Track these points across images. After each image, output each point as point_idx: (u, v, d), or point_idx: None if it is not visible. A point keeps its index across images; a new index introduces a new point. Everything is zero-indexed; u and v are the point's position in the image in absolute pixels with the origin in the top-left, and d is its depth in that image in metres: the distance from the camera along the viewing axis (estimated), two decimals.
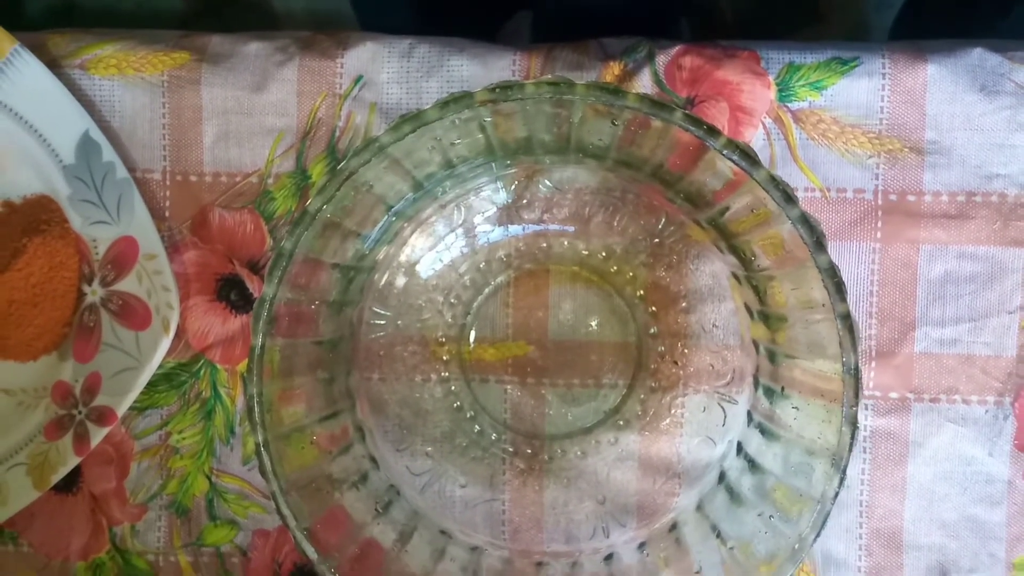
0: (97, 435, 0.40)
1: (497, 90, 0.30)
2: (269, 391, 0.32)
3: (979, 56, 0.39)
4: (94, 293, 0.41)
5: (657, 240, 0.39)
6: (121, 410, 0.40)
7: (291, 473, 0.32)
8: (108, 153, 0.40)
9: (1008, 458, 0.40)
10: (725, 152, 0.29)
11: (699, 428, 0.39)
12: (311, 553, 0.32)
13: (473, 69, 0.41)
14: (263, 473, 0.32)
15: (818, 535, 0.31)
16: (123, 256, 0.40)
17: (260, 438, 0.32)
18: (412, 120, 0.30)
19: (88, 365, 0.41)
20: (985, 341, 0.40)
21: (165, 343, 0.40)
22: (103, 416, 0.40)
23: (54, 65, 0.41)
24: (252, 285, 0.42)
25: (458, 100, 0.30)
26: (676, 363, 0.40)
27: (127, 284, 0.40)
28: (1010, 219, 0.39)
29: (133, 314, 0.40)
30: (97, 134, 0.40)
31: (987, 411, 0.40)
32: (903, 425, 0.40)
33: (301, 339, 0.34)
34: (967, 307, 0.40)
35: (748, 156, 0.29)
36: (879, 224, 0.40)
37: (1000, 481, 0.40)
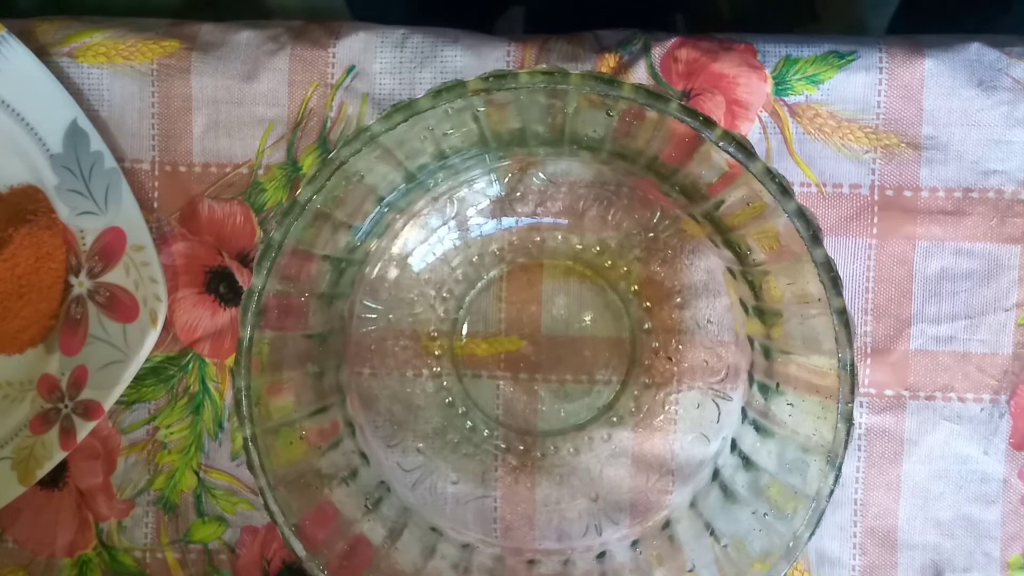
0: (83, 429, 0.40)
1: (490, 79, 0.29)
2: (257, 384, 0.31)
3: (977, 51, 0.39)
4: (81, 285, 0.41)
5: (652, 235, 0.39)
6: (108, 404, 0.39)
7: (279, 468, 0.32)
8: (96, 142, 0.39)
9: (1003, 456, 0.39)
10: (721, 144, 0.29)
11: (693, 425, 0.39)
12: (299, 550, 0.31)
13: (467, 60, 0.40)
14: (251, 468, 0.31)
15: (813, 533, 0.30)
16: (110, 247, 0.40)
17: (248, 432, 0.31)
18: (404, 109, 0.29)
19: (75, 358, 0.40)
20: (981, 338, 0.39)
21: (153, 336, 0.39)
22: (89, 410, 0.40)
23: (42, 53, 0.41)
24: (241, 278, 0.41)
25: (451, 89, 0.29)
26: (670, 359, 0.39)
27: (114, 276, 0.40)
28: (1007, 215, 0.39)
29: (120, 306, 0.40)
30: (85, 123, 0.39)
31: (983, 409, 0.39)
32: (898, 423, 0.40)
33: (290, 332, 0.33)
34: (963, 304, 0.39)
35: (744, 148, 0.29)
36: (875, 220, 0.39)
37: (995, 480, 0.39)
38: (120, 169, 0.40)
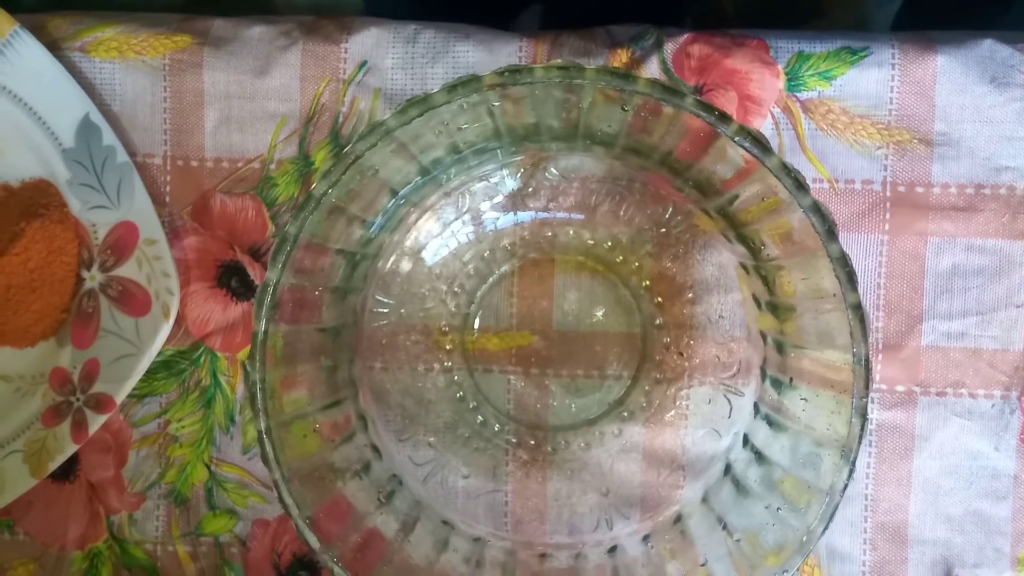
0: (95, 422, 0.40)
1: (506, 74, 0.29)
2: (272, 378, 0.32)
3: (989, 48, 0.39)
4: (93, 279, 0.41)
5: (664, 230, 0.39)
6: (120, 397, 0.40)
7: (293, 461, 0.32)
8: (108, 137, 0.39)
9: (1014, 452, 0.39)
10: (736, 139, 0.29)
11: (704, 420, 0.39)
12: (313, 542, 0.31)
13: (479, 55, 0.40)
14: (265, 461, 0.31)
15: (827, 527, 0.30)
16: (123, 241, 0.40)
17: (262, 425, 0.31)
18: (419, 103, 0.29)
19: (87, 351, 0.40)
20: (992, 335, 0.39)
21: (165, 329, 0.39)
22: (101, 403, 0.40)
23: (54, 47, 0.41)
24: (253, 272, 0.41)
25: (466, 84, 0.29)
26: (681, 354, 0.39)
27: (127, 270, 0.40)
28: (1019, 212, 0.39)
29: (133, 300, 0.40)
30: (97, 117, 0.39)
31: (994, 405, 0.39)
32: (909, 418, 0.40)
33: (304, 325, 0.33)
34: (975, 300, 0.39)
35: (759, 143, 0.29)
36: (887, 216, 0.39)
37: (1006, 476, 0.40)
38: (132, 163, 0.40)
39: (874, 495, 0.40)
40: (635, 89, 0.29)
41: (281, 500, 0.31)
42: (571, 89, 0.30)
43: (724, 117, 0.29)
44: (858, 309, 0.29)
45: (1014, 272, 0.39)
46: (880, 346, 0.40)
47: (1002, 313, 0.39)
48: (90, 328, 0.40)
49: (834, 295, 0.30)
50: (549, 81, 0.29)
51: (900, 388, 0.40)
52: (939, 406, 0.40)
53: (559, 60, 0.38)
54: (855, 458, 0.30)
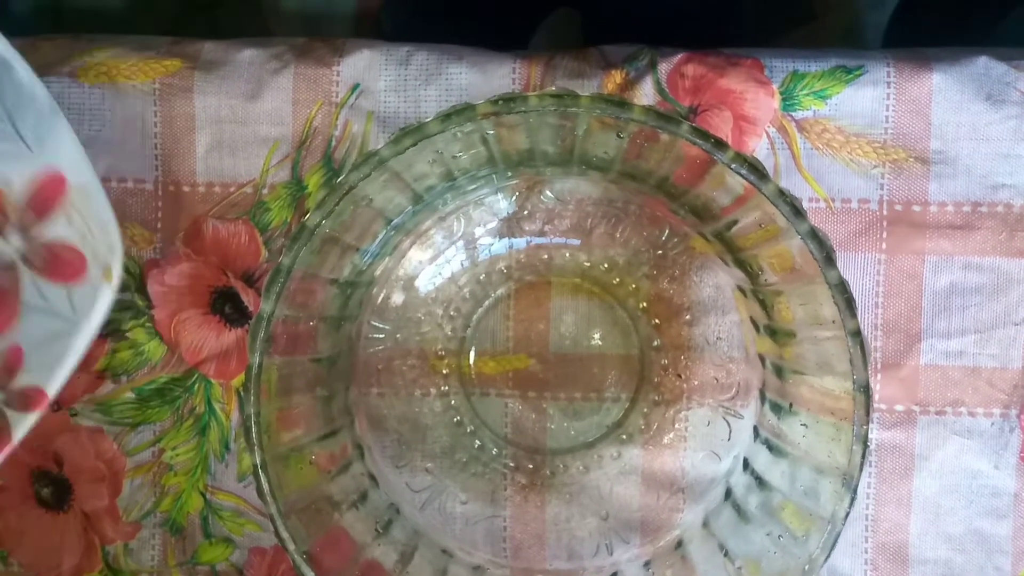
0: (22, 424, 0.32)
1: (500, 102, 0.29)
2: (267, 411, 0.31)
3: (985, 65, 0.39)
4: (9, 244, 0.33)
5: (660, 252, 0.39)
6: (53, 389, 0.31)
7: (290, 495, 0.31)
8: (24, 73, 0.32)
9: (1014, 471, 0.39)
10: (733, 166, 0.29)
11: (703, 442, 0.39)
12: None
13: (472, 77, 0.40)
14: (261, 495, 0.31)
15: (828, 556, 0.30)
16: (45, 194, 0.32)
17: (258, 459, 0.31)
18: (413, 133, 0.29)
19: (3, 336, 0.33)
20: (991, 353, 0.39)
21: (107, 295, 0.31)
22: (28, 399, 0.31)
23: (43, 72, 0.40)
24: (247, 298, 0.41)
25: (460, 113, 0.29)
26: (680, 376, 0.39)
27: (53, 229, 0.32)
28: (1016, 230, 0.39)
29: (63, 265, 0.32)
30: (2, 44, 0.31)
31: (993, 424, 0.39)
32: (909, 438, 0.39)
33: (299, 357, 0.33)
34: (973, 319, 0.39)
35: (756, 170, 0.29)
36: (884, 235, 0.39)
37: (1006, 494, 0.39)
38: (50, 96, 0.32)
39: (874, 515, 0.40)
40: (630, 117, 0.29)
41: (277, 535, 0.31)
42: (566, 116, 0.29)
43: (720, 144, 0.29)
44: (857, 336, 0.29)
45: (1012, 290, 0.39)
46: (879, 365, 0.39)
47: (1000, 331, 0.39)
48: (6, 307, 0.33)
49: (833, 322, 0.30)
50: (543, 109, 0.29)
51: (899, 407, 0.39)
52: (938, 425, 0.39)
53: (553, 87, 0.38)
54: (856, 486, 0.30)
